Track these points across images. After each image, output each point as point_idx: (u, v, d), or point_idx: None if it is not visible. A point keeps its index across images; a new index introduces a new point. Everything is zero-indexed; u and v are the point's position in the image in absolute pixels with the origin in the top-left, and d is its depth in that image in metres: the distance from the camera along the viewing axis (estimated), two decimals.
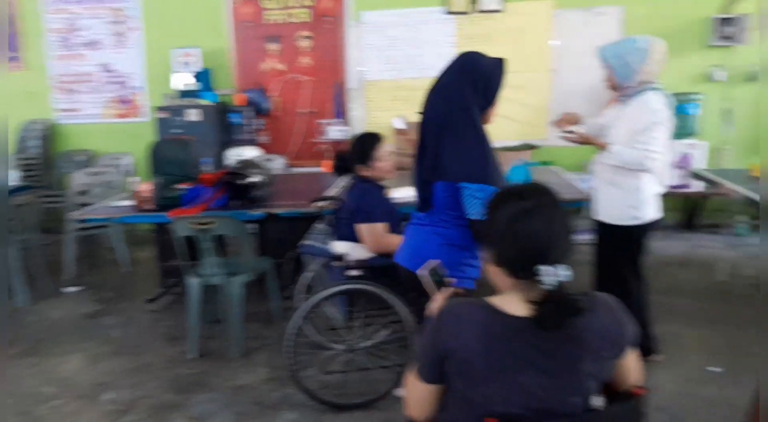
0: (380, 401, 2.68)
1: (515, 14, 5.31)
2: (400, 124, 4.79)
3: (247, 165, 3.69)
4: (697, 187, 4.89)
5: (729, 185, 3.48)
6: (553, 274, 1.15)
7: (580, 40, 5.25)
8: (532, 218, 1.19)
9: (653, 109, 2.60)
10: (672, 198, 5.21)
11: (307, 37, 5.64)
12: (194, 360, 3.20)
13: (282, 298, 3.58)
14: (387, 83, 5.59)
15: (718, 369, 2.88)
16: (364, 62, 5.59)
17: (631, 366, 1.30)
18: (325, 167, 5.33)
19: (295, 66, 5.70)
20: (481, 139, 2.09)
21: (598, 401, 1.22)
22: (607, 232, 2.83)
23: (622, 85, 2.69)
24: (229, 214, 3.30)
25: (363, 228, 2.71)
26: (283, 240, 3.98)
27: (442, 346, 1.22)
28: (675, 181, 4.97)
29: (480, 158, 2.06)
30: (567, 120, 2.89)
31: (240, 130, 5.44)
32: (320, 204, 3.36)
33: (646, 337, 2.91)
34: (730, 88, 5.18)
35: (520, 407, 1.18)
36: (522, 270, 1.19)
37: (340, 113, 5.62)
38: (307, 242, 2.98)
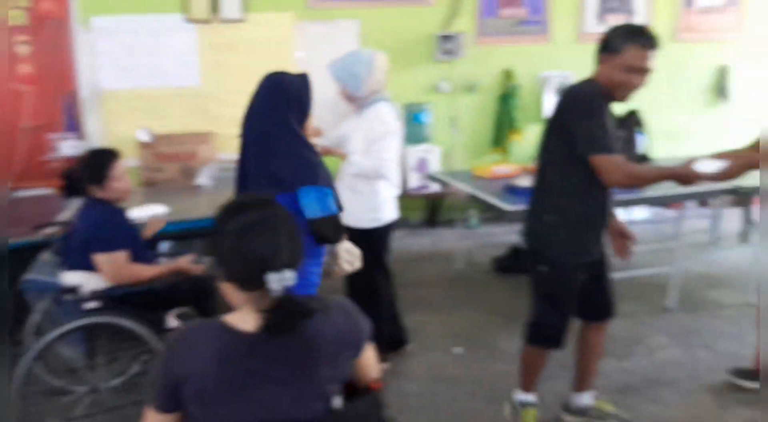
0: None
1: (257, 25, 5.31)
2: (144, 137, 4.47)
3: None
4: (434, 187, 5.46)
5: (458, 185, 3.94)
6: (279, 280, 1.16)
7: (323, 52, 5.45)
8: (255, 231, 1.20)
9: (383, 119, 2.83)
10: (413, 199, 5.74)
11: (25, 43, 4.95)
12: None
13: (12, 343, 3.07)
14: (126, 93, 5.16)
15: (460, 350, 3.23)
16: (98, 70, 5.09)
17: (369, 363, 1.37)
18: (56, 188, 4.74)
19: (11, 75, 4.95)
20: (307, 146, 2.21)
21: (337, 401, 1.26)
22: (352, 236, 2.98)
23: (354, 96, 2.86)
24: None
25: (101, 259, 2.44)
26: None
27: (174, 373, 1.17)
28: (415, 183, 5.49)
29: (309, 162, 2.17)
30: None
31: None
32: (48, 231, 2.96)
33: (399, 330, 3.14)
34: (454, 98, 5.87)
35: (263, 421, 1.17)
36: (250, 281, 1.18)
37: (73, 126, 5.04)
38: (30, 276, 2.59)
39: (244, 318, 1.21)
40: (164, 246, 3.21)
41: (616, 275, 2.53)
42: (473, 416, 2.61)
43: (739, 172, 2.18)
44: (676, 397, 2.76)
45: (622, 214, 2.91)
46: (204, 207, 3.54)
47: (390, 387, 2.80)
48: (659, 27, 6.06)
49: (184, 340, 1.22)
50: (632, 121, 4.05)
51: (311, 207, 2.13)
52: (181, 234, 3.54)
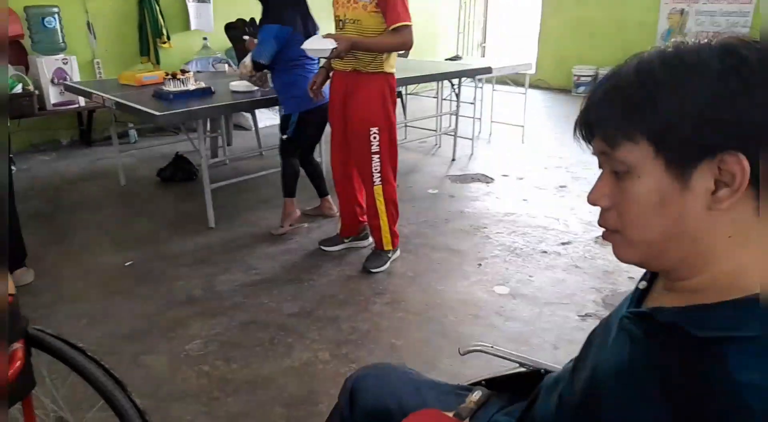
0: None
1: None
2: None
3: None
4: (83, 102, 4.99)
5: (103, 95, 3.69)
6: None
7: None
8: None
9: None
10: (60, 116, 5.18)
11: None
12: None
13: None
14: None
15: (130, 263, 3.20)
16: None
17: None
18: None
19: None
20: None
21: None
22: None
23: None
24: None
25: None
26: None
27: None
28: (57, 98, 4.92)
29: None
30: None
31: None
32: None
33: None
34: (83, 2, 5.29)
35: None
36: None
37: None
38: None
39: None
40: None
41: None
42: (151, 318, 2.67)
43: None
44: None
45: None
46: None
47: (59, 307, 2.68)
48: None
49: None
50: None
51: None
52: None
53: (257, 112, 5.29)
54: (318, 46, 2.66)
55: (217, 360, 2.35)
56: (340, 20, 2.78)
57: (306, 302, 2.78)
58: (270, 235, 3.50)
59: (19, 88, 4.58)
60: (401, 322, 2.62)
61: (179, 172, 4.42)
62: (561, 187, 4.35)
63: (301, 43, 2.75)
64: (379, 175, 2.93)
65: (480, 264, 3.12)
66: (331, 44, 2.61)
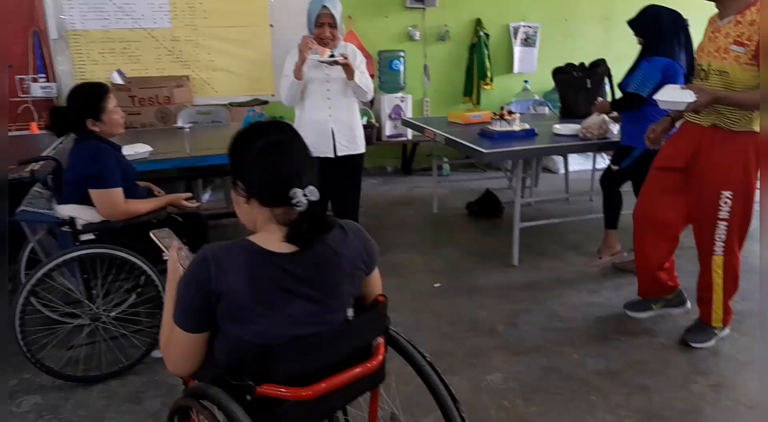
0: (136, 366, 2.56)
1: None
2: (118, 79, 4.39)
3: None
4: (410, 136, 5.58)
5: (434, 131, 4.04)
6: (306, 194, 1.23)
7: None
8: (281, 149, 1.27)
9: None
10: (389, 146, 5.85)
11: None
12: None
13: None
14: (96, 34, 5.03)
15: (438, 284, 3.41)
16: (65, 10, 4.93)
17: (377, 280, 1.48)
18: (33, 128, 4.65)
19: None
20: None
21: (350, 312, 1.38)
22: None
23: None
24: None
25: (96, 194, 2.47)
26: None
27: (210, 292, 1.20)
28: (391, 131, 5.58)
29: None
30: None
31: None
32: (34, 167, 2.97)
33: None
34: (425, 47, 5.92)
35: (291, 336, 1.24)
36: (277, 196, 1.24)
37: (43, 68, 4.91)
38: (24, 207, 2.60)
39: (270, 238, 1.26)
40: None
41: None
42: (455, 341, 2.79)
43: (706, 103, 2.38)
44: None
45: None
46: (188, 148, 3.55)
47: None
48: None
49: (216, 260, 1.21)
50: (601, 70, 4.20)
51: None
52: (167, 174, 3.58)
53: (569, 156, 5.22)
54: (673, 97, 2.44)
55: (517, 399, 2.33)
56: (703, 69, 2.52)
57: (612, 362, 2.59)
58: (574, 283, 3.39)
59: (364, 121, 5.31)
60: (731, 413, 2.25)
61: (487, 207, 4.58)
62: None
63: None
64: (722, 244, 2.56)
65: None
66: (689, 97, 2.38)
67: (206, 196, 2.79)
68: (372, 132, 5.36)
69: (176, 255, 1.43)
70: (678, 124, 2.76)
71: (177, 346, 1.29)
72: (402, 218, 4.65)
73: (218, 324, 1.25)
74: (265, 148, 1.27)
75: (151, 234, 1.52)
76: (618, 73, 4.11)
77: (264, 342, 1.22)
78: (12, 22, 4.81)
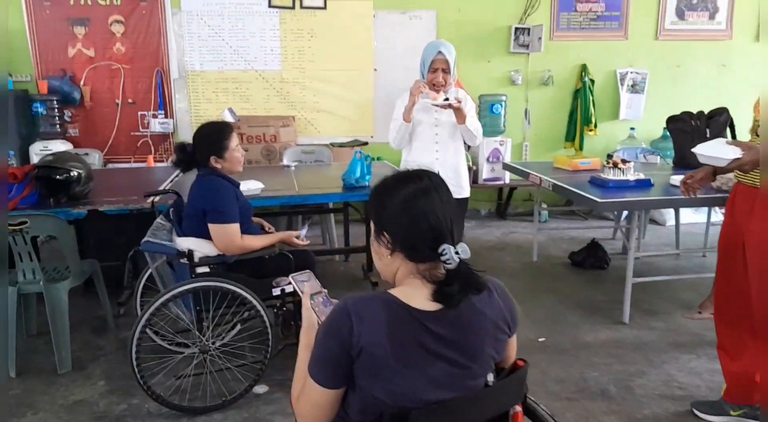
0: (239, 400, 2.58)
1: (337, 12, 5.42)
2: (230, 117, 4.61)
3: (64, 158, 3.28)
4: (507, 180, 5.48)
5: (539, 175, 3.93)
6: (458, 252, 1.15)
7: (397, 41, 5.54)
8: (428, 197, 1.20)
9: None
10: (485, 190, 5.76)
11: (119, 22, 5.18)
12: (12, 381, 2.77)
13: (116, 304, 3.26)
14: (212, 74, 5.35)
15: (543, 339, 3.25)
16: (187, 52, 5.29)
17: (515, 342, 1.35)
18: (150, 161, 4.96)
19: (107, 53, 5.19)
20: None
21: (491, 377, 1.27)
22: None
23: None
24: (46, 213, 2.91)
25: (215, 229, 2.55)
26: (105, 240, 3.64)
27: (351, 345, 1.13)
28: (487, 175, 5.50)
29: None
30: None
31: (44, 122, 4.80)
32: (155, 199, 3.12)
33: None
34: (526, 91, 5.86)
35: (430, 399, 1.16)
36: (426, 252, 1.17)
37: (163, 105, 5.25)
38: (148, 238, 2.73)
39: (413, 294, 1.18)
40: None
41: None
42: (564, 402, 2.62)
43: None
44: None
45: None
46: (296, 186, 3.64)
47: None
48: (741, 23, 5.94)
49: (356, 313, 1.14)
50: (723, 119, 3.96)
51: None
52: (271, 210, 3.68)
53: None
54: (714, 152, 2.20)
55: None
56: (757, 121, 2.23)
57: None
58: (692, 346, 3.12)
59: None
60: None
61: (591, 258, 4.38)
62: None
63: None
64: None
65: None
66: (733, 154, 2.13)
67: (303, 232, 2.86)
68: (469, 175, 5.29)
69: (309, 303, 1.37)
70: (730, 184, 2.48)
71: (309, 400, 1.21)
72: (499, 265, 4.52)
73: (355, 380, 1.17)
74: (410, 197, 1.20)
75: (290, 278, 1.49)
76: (738, 122, 3.88)
77: (401, 403, 1.15)
78: (141, 62, 5.21)
